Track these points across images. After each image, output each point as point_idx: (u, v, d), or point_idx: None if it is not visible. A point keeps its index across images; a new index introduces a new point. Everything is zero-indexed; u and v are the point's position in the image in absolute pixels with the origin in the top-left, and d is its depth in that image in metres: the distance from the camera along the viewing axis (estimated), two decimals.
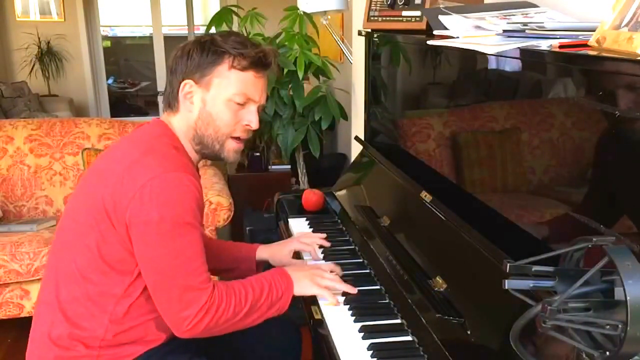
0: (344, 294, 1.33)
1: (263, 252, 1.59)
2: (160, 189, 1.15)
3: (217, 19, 2.70)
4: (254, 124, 1.31)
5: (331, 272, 1.37)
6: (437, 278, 1.23)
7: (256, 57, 1.27)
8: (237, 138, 1.32)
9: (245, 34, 2.69)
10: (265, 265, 1.60)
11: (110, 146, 1.37)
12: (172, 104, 1.30)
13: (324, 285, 1.32)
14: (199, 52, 1.26)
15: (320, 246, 1.58)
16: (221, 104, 1.27)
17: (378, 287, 1.38)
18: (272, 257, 1.59)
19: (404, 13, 1.66)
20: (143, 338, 1.27)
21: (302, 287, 1.31)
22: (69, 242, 1.26)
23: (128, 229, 1.17)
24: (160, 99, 6.62)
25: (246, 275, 1.56)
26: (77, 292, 1.23)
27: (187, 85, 1.27)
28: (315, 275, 1.33)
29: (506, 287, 0.76)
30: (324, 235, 1.62)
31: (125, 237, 1.18)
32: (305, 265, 1.45)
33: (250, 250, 1.60)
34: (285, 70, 2.54)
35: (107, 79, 7.05)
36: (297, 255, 1.59)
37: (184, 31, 7.74)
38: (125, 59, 8.62)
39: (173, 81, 1.29)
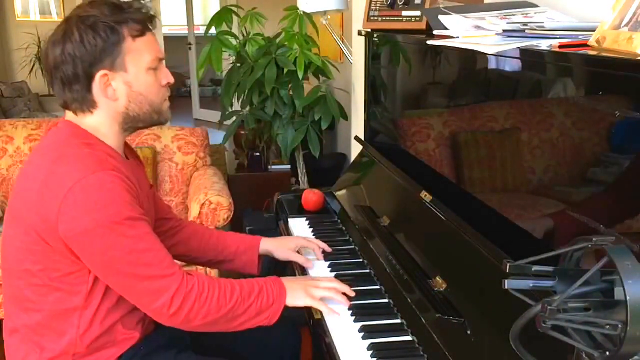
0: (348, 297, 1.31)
1: (267, 244, 1.56)
2: (84, 195, 1.09)
3: (217, 19, 2.70)
4: (170, 78, 1.27)
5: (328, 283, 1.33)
6: (437, 278, 1.23)
7: (145, 17, 1.20)
8: (165, 100, 1.28)
9: (245, 34, 2.70)
10: (265, 263, 1.60)
11: (24, 162, 1.31)
12: (84, 104, 1.19)
13: (318, 297, 1.27)
14: (94, 36, 1.14)
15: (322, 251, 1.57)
16: (144, 77, 1.21)
17: (378, 287, 1.38)
18: (276, 250, 1.56)
19: (404, 13, 1.66)
20: (115, 340, 1.24)
21: (295, 298, 1.27)
22: (15, 271, 1.22)
23: (67, 244, 1.12)
24: None
25: (246, 268, 1.55)
26: (37, 317, 1.20)
27: (103, 78, 1.17)
28: (309, 286, 1.29)
29: (506, 287, 0.76)
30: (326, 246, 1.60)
31: (66, 251, 1.13)
32: (302, 277, 1.42)
33: (254, 241, 1.57)
34: (285, 70, 2.54)
35: None
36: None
37: (184, 31, 7.75)
38: None
39: (74, 82, 1.17)
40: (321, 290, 1.29)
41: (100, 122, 1.22)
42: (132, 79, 1.20)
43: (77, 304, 1.19)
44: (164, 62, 1.27)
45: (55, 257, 1.15)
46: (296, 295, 1.27)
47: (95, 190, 1.10)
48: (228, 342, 1.43)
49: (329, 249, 1.57)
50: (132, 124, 1.25)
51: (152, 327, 1.33)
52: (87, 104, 1.20)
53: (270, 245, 1.56)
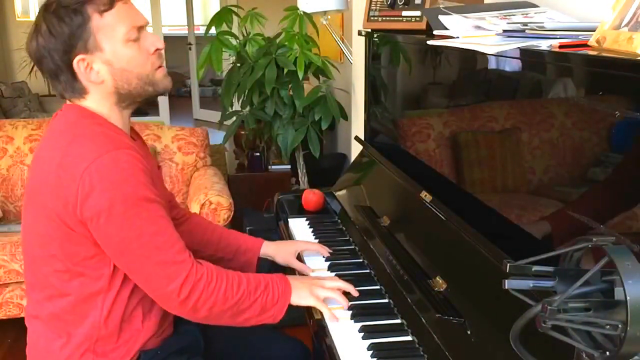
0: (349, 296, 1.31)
1: (268, 248, 1.56)
2: (100, 174, 1.08)
3: (217, 19, 2.70)
4: (159, 43, 1.21)
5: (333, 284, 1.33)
6: (437, 278, 1.23)
7: None
8: (159, 66, 1.23)
9: (245, 34, 2.70)
10: (262, 263, 1.60)
11: (37, 147, 1.28)
12: (75, 91, 1.18)
13: (322, 298, 1.27)
14: (59, 23, 1.12)
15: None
16: (123, 51, 1.16)
17: (378, 287, 1.38)
18: (276, 254, 1.55)
19: (404, 13, 1.66)
20: (136, 329, 1.24)
21: (300, 297, 1.26)
22: (39, 258, 1.21)
23: (86, 225, 1.11)
24: (160, 99, 6.62)
25: (243, 268, 1.53)
26: (61, 303, 1.20)
27: (81, 63, 1.14)
28: (314, 285, 1.29)
29: (506, 287, 0.76)
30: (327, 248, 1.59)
31: (87, 233, 1.13)
32: (306, 277, 1.42)
33: (255, 243, 1.56)
34: (285, 70, 2.54)
35: None
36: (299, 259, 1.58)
37: (184, 31, 7.75)
38: None
39: (58, 73, 1.16)
40: (325, 291, 1.28)
41: (98, 104, 1.20)
42: (110, 56, 1.15)
43: (100, 287, 1.19)
44: (145, 28, 1.21)
45: (77, 240, 1.14)
46: (301, 294, 1.27)
47: (110, 169, 1.09)
48: (238, 352, 1.43)
49: (327, 253, 1.56)
50: (129, 100, 1.22)
51: (170, 330, 1.33)
52: (77, 91, 1.18)
53: (270, 250, 1.56)
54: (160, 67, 1.22)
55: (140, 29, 1.18)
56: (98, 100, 1.19)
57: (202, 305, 1.16)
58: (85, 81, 1.17)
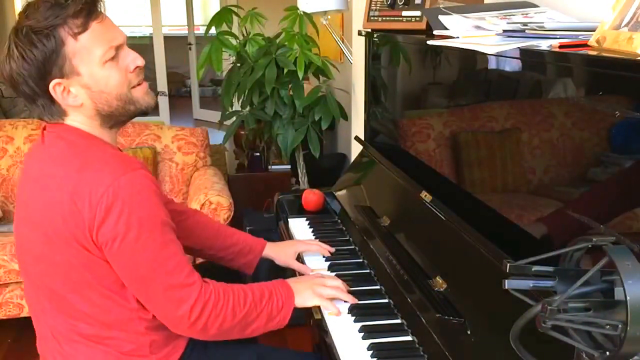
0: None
1: (269, 250, 1.57)
2: (116, 198, 1.06)
3: (217, 19, 2.70)
4: (138, 61, 1.17)
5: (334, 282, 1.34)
6: (437, 278, 1.23)
7: (85, 6, 1.09)
8: (138, 84, 1.18)
9: (245, 34, 2.70)
10: (265, 264, 1.60)
11: (30, 170, 1.20)
12: (54, 114, 1.15)
13: (326, 296, 1.28)
14: (31, 49, 1.07)
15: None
16: (101, 73, 1.12)
17: (378, 287, 1.38)
18: (277, 256, 1.56)
19: (404, 13, 1.66)
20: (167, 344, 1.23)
21: (304, 299, 1.27)
22: (60, 289, 1.16)
23: (103, 251, 1.10)
24: (160, 99, 6.63)
25: (242, 268, 1.55)
26: (94, 329, 1.18)
27: (57, 87, 1.11)
28: (316, 285, 1.29)
29: (506, 287, 0.76)
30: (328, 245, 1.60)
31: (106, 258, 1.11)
32: (307, 276, 1.42)
33: (257, 245, 1.56)
34: (285, 70, 2.54)
35: None
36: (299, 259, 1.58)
37: (184, 31, 7.75)
38: None
39: (35, 97, 1.12)
40: (329, 289, 1.29)
41: (84, 125, 1.17)
42: (87, 80, 1.12)
43: (132, 306, 1.17)
44: (124, 46, 1.16)
45: (101, 264, 1.12)
46: (304, 295, 1.27)
47: (127, 193, 1.07)
48: None
49: (328, 251, 1.57)
50: (113, 120, 1.19)
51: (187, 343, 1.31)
52: (56, 114, 1.15)
53: (271, 251, 1.57)
54: (139, 84, 1.19)
55: (119, 47, 1.14)
56: (81, 122, 1.16)
57: (212, 325, 1.16)
58: (63, 105, 1.14)
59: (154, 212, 1.10)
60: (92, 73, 1.12)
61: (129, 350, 1.20)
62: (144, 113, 1.23)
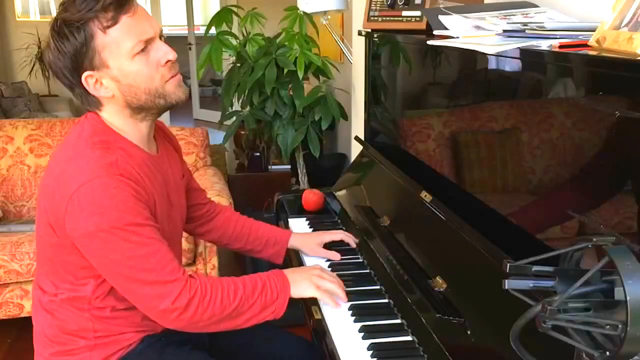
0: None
1: (295, 240, 1.59)
2: (88, 198, 1.09)
3: (217, 19, 2.70)
4: (170, 55, 1.18)
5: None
6: (437, 278, 1.23)
7: (115, 1, 1.11)
8: (171, 77, 1.20)
9: (245, 34, 2.70)
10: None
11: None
12: (92, 104, 1.20)
13: (324, 288, 1.28)
14: (63, 41, 1.11)
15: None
16: (130, 66, 1.14)
17: (378, 287, 1.38)
18: (303, 245, 1.59)
19: (404, 13, 1.66)
20: (133, 325, 1.27)
21: (301, 289, 1.27)
22: (40, 255, 1.27)
23: (73, 241, 1.14)
24: None
25: (271, 258, 1.60)
26: (54, 297, 1.24)
27: (89, 79, 1.14)
28: (314, 276, 1.30)
29: (506, 287, 0.76)
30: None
31: (74, 247, 1.15)
32: (305, 267, 1.43)
33: (284, 235, 1.59)
34: (285, 70, 2.54)
35: None
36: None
37: (184, 31, 7.75)
38: None
39: (72, 87, 1.17)
40: (327, 282, 1.30)
41: (114, 116, 1.20)
42: (116, 73, 1.14)
43: (87, 294, 1.21)
44: (155, 39, 1.17)
45: (67, 250, 1.17)
46: (301, 286, 1.27)
47: (97, 194, 1.10)
48: (243, 348, 1.44)
49: (353, 241, 1.60)
50: (143, 113, 1.21)
51: None
52: (93, 103, 1.20)
53: (297, 242, 1.59)
54: (172, 77, 1.19)
55: (149, 40, 1.15)
56: (114, 113, 1.20)
57: (199, 318, 1.17)
58: (97, 95, 1.17)
59: (125, 215, 1.11)
60: (120, 66, 1.14)
61: (72, 330, 1.25)
62: (173, 107, 1.24)
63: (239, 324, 1.22)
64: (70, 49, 1.11)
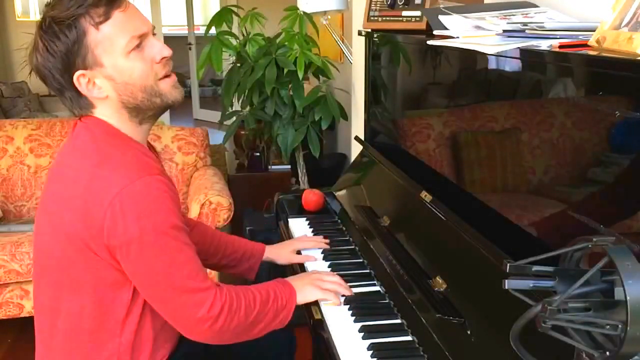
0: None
1: (269, 252, 1.58)
2: (131, 202, 1.04)
3: (217, 19, 2.70)
4: (165, 51, 1.13)
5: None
6: (437, 278, 1.23)
7: None
8: (165, 76, 1.15)
9: (245, 34, 2.70)
10: (265, 266, 1.60)
11: (55, 162, 1.19)
12: (83, 107, 1.13)
13: (326, 289, 1.30)
14: (54, 40, 1.05)
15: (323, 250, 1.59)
16: (125, 64, 1.09)
17: (378, 287, 1.38)
18: (277, 257, 1.58)
19: (404, 13, 1.66)
20: (152, 352, 1.21)
21: (305, 294, 1.28)
22: (56, 282, 1.15)
23: (111, 253, 1.07)
24: None
25: (245, 273, 1.56)
26: (77, 326, 1.15)
27: (82, 78, 1.09)
28: (316, 279, 1.32)
29: (506, 287, 0.76)
30: (322, 237, 1.63)
31: (111, 259, 1.08)
32: (305, 274, 1.43)
33: (258, 249, 1.57)
34: (285, 70, 2.54)
35: None
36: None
37: (184, 31, 7.75)
38: None
39: (62, 90, 1.11)
40: (328, 283, 1.31)
41: (111, 119, 1.14)
42: (111, 71, 1.09)
43: (119, 315, 1.15)
44: (149, 35, 1.12)
45: (103, 265, 1.10)
46: (306, 291, 1.29)
47: (142, 196, 1.05)
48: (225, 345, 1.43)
49: (325, 244, 1.59)
50: (141, 114, 1.15)
51: (175, 340, 1.30)
52: (85, 107, 1.14)
53: (270, 254, 1.58)
54: (167, 76, 1.15)
55: (143, 36, 1.11)
56: (110, 116, 1.14)
57: (227, 327, 1.15)
58: (89, 97, 1.12)
59: (169, 217, 1.08)
60: (115, 64, 1.09)
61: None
62: (170, 107, 1.19)
63: (253, 335, 1.22)
64: (61, 48, 1.06)
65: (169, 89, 1.16)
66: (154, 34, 1.15)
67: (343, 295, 1.32)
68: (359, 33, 1.96)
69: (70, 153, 1.16)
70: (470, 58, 1.32)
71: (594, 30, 0.98)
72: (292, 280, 1.32)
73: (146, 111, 1.16)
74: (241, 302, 1.17)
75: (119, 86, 1.11)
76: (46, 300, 1.19)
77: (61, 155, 1.19)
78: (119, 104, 1.13)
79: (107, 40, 1.07)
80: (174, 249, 1.09)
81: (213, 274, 2.55)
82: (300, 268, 1.54)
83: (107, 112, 1.14)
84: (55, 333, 1.18)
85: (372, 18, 1.81)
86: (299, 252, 1.59)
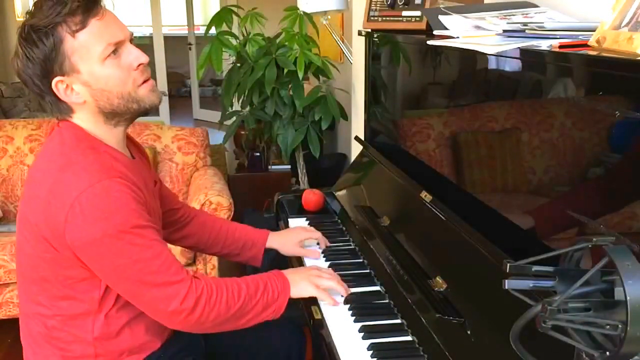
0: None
1: (273, 241, 1.59)
2: (90, 204, 1.07)
3: (217, 19, 2.70)
4: (142, 58, 1.16)
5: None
6: (437, 278, 1.23)
7: (82, 4, 1.09)
8: (144, 81, 1.18)
9: (245, 34, 2.70)
10: (271, 256, 1.61)
11: (32, 164, 1.24)
12: (63, 112, 1.17)
13: (322, 287, 1.30)
14: (32, 47, 1.09)
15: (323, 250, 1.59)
16: (101, 71, 1.12)
17: (378, 287, 1.38)
18: (281, 246, 1.59)
19: (404, 13, 1.66)
20: (136, 345, 1.24)
21: (300, 289, 1.28)
22: (29, 277, 1.21)
23: (75, 252, 1.11)
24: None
25: (250, 261, 1.58)
26: (51, 322, 1.20)
27: (60, 85, 1.12)
28: (312, 276, 1.31)
29: (506, 287, 0.76)
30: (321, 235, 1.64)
31: (75, 259, 1.12)
32: (303, 268, 1.44)
33: (261, 236, 1.58)
34: (285, 70, 2.54)
35: None
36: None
37: (184, 31, 7.75)
38: None
39: (42, 95, 1.15)
40: (325, 281, 1.31)
41: (88, 123, 1.18)
42: (87, 77, 1.12)
43: (89, 309, 1.18)
44: (126, 43, 1.15)
45: (66, 263, 1.13)
46: (300, 286, 1.29)
47: (101, 199, 1.08)
48: (237, 343, 1.45)
49: (325, 244, 1.60)
50: (117, 118, 1.18)
51: (169, 331, 1.32)
52: (64, 111, 1.17)
53: (275, 242, 1.59)
54: (145, 82, 1.18)
55: (120, 44, 1.14)
56: (87, 120, 1.18)
57: (206, 318, 1.17)
58: (68, 102, 1.15)
59: (130, 218, 1.10)
60: (91, 71, 1.12)
61: (74, 357, 1.21)
62: (147, 112, 1.21)
63: (241, 324, 1.23)
64: (39, 55, 1.09)
65: (147, 93, 1.19)
66: (131, 41, 1.18)
67: (342, 295, 1.32)
68: (359, 33, 1.96)
69: (41, 156, 1.20)
70: (470, 58, 1.32)
71: (594, 30, 0.98)
72: (289, 273, 1.32)
73: (122, 115, 1.19)
74: (222, 293, 1.18)
75: (96, 92, 1.14)
76: (24, 294, 1.25)
77: (35, 158, 1.24)
78: (96, 109, 1.16)
79: (84, 47, 1.10)
80: (140, 246, 1.11)
81: (213, 265, 2.61)
82: (298, 262, 1.55)
83: (85, 116, 1.18)
84: (32, 330, 1.23)
85: (372, 18, 1.81)
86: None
